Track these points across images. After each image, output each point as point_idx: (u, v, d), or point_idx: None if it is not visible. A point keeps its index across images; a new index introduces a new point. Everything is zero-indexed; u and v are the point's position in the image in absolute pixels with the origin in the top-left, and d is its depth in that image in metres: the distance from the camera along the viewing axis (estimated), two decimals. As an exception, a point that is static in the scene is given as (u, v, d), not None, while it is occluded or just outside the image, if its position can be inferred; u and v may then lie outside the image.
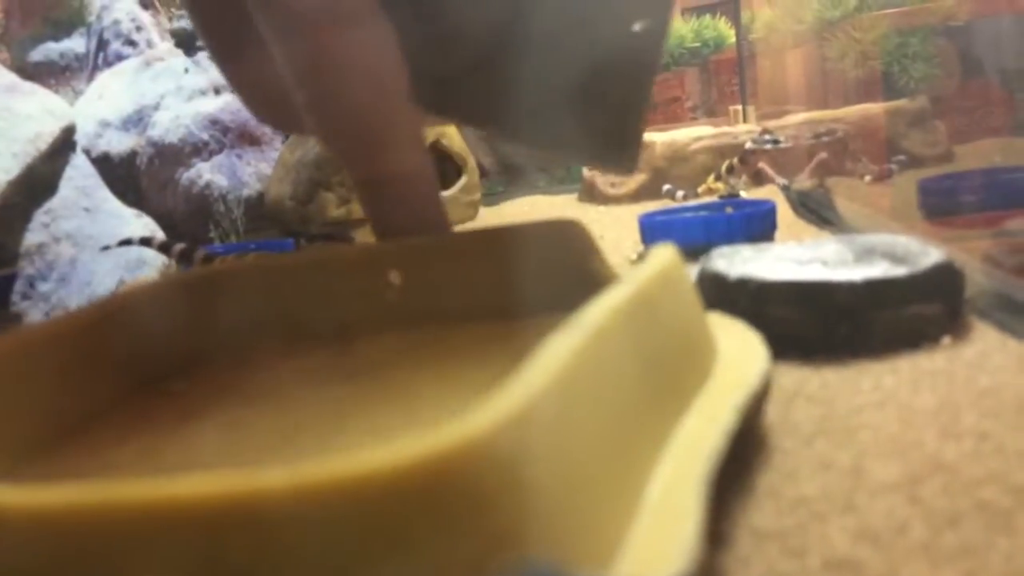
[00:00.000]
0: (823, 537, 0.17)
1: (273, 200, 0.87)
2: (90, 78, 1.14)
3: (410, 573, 0.12)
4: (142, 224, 0.75)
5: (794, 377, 0.27)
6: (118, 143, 0.98)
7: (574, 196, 0.94)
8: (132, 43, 1.14)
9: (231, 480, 0.12)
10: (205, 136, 0.95)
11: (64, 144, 0.73)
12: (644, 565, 0.14)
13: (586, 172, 0.91)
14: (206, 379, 0.28)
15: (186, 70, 1.01)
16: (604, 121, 0.31)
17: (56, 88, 1.07)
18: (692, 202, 0.75)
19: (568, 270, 0.28)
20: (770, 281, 0.30)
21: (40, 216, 0.68)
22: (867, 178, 0.75)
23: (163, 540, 0.12)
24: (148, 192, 0.97)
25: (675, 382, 0.20)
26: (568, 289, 0.27)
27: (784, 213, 0.62)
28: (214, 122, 0.96)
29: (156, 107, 0.99)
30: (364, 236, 0.78)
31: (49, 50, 1.19)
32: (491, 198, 0.98)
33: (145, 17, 1.18)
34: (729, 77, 1.59)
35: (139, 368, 0.27)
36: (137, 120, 0.99)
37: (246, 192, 0.93)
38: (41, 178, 0.69)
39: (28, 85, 0.76)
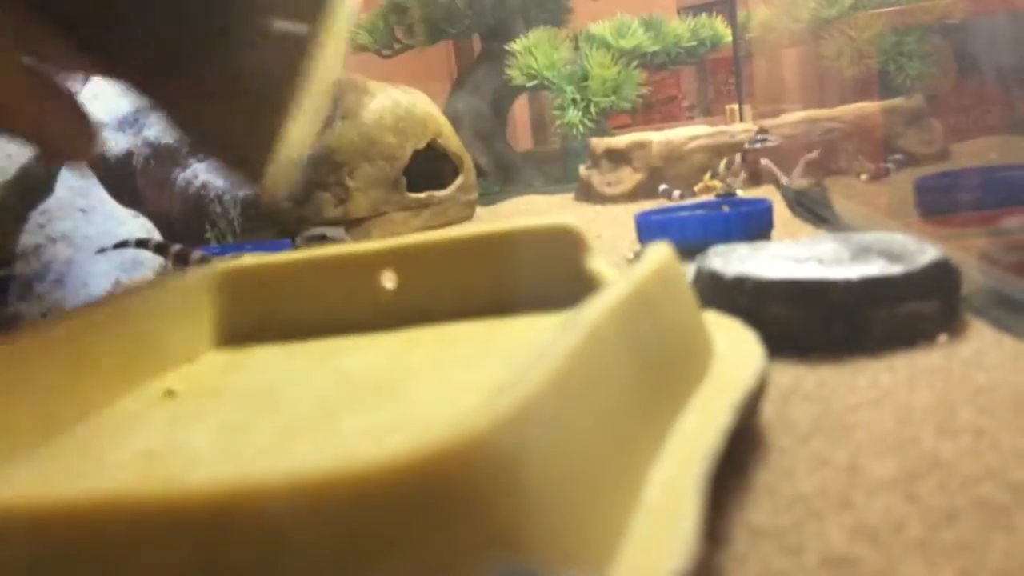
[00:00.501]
0: (820, 534, 0.17)
1: (269, 200, 0.86)
2: (85, 79, 1.14)
3: (407, 571, 0.12)
4: (139, 224, 0.75)
5: (790, 375, 0.27)
6: (114, 144, 0.98)
7: (571, 195, 0.94)
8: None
9: (229, 480, 0.12)
10: (201, 136, 0.94)
11: (60, 145, 0.72)
12: (642, 563, 0.14)
13: (583, 171, 0.91)
14: (203, 379, 0.28)
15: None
16: (234, 120, 0.27)
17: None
18: (688, 201, 0.75)
19: (564, 269, 0.28)
20: (766, 279, 0.30)
21: (36, 217, 0.68)
22: (863, 176, 0.76)
23: (162, 540, 0.12)
24: (144, 193, 0.97)
25: (672, 381, 0.20)
26: (564, 288, 0.27)
27: (780, 212, 0.62)
28: (211, 122, 0.95)
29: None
30: (360, 236, 0.77)
31: (45, 51, 1.18)
32: (488, 197, 0.98)
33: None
34: (725, 76, 1.60)
35: (136, 368, 0.27)
36: (133, 121, 0.99)
37: (242, 193, 0.93)
38: (36, 179, 0.69)
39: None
